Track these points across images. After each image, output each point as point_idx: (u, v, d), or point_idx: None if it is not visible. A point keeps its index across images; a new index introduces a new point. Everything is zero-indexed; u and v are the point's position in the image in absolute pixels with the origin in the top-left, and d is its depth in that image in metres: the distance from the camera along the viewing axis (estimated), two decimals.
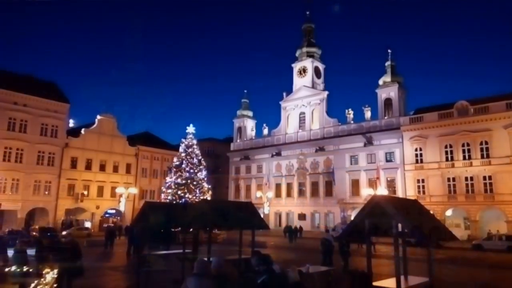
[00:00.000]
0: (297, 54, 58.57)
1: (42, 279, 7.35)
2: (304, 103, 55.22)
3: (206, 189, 37.01)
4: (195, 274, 4.92)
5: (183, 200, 33.98)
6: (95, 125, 49.16)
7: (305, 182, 52.98)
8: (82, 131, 47.81)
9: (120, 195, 42.32)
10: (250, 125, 63.53)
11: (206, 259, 8.17)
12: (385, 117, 46.89)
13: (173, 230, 21.98)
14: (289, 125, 56.82)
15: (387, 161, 45.13)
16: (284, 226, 45.99)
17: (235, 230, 12.51)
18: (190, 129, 39.19)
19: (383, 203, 7.21)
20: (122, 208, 43.07)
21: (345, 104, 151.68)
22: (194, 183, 36.59)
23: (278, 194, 55.04)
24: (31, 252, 10.54)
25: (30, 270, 8.53)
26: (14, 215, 40.47)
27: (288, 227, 41.83)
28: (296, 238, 37.26)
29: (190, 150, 38.27)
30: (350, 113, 50.47)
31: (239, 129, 63.75)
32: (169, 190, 36.13)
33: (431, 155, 41.59)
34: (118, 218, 47.66)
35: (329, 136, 51.33)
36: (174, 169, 37.37)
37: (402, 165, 43.55)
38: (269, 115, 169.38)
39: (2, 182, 40.08)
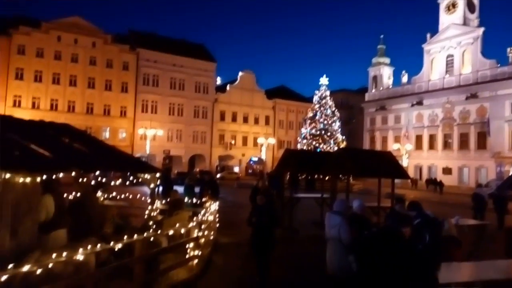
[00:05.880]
0: None
1: (208, 209, 8.89)
2: (453, 43, 48.36)
3: (340, 140, 37.04)
4: (335, 211, 5.06)
5: (318, 150, 34.81)
6: (237, 81, 54.09)
7: (452, 134, 47.74)
8: (228, 87, 53.26)
9: (261, 145, 46.25)
10: (387, 73, 59.28)
11: None
12: None
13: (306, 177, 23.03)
14: (433, 71, 50.99)
15: None
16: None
17: (373, 178, 12.48)
18: (323, 80, 38.98)
19: None
20: (263, 156, 47.30)
21: (505, 42, 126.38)
22: (328, 134, 36.95)
23: (418, 146, 51.19)
24: (196, 189, 12.66)
25: (198, 202, 10.37)
26: (179, 160, 48.83)
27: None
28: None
29: (323, 101, 38.39)
30: None
31: (375, 78, 60.16)
32: (304, 141, 37.37)
33: None
34: (261, 165, 52.35)
35: (484, 81, 44.31)
36: (309, 121, 38.26)
37: None
38: (409, 60, 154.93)
39: (170, 132, 48.17)
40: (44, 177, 5.03)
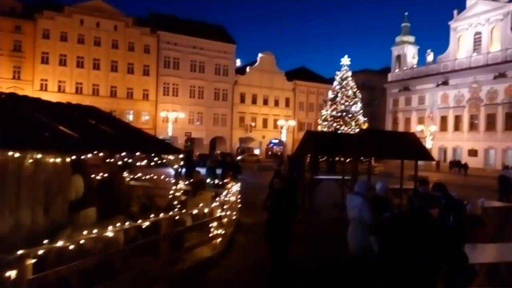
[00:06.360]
0: None
1: (230, 190, 9.02)
2: (481, 20, 46.29)
3: (361, 121, 36.54)
4: (356, 192, 5.04)
5: (339, 132, 34.48)
6: (257, 63, 53.76)
7: (478, 115, 46.27)
8: (247, 69, 52.98)
9: (281, 127, 46.20)
10: (411, 52, 57.46)
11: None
12: None
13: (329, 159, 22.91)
14: (460, 49, 49.13)
15: None
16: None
17: (396, 160, 12.30)
18: (345, 60, 38.25)
19: None
20: (283, 138, 47.38)
21: None
22: (349, 115, 36.48)
23: (443, 128, 49.94)
24: (218, 171, 12.83)
25: (220, 183, 10.53)
26: (201, 142, 49.51)
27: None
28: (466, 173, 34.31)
29: (344, 82, 37.78)
30: None
31: (398, 57, 58.48)
32: (325, 123, 37.04)
33: None
34: (281, 147, 52.48)
35: None
36: (329, 102, 37.81)
37: None
38: (434, 39, 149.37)
39: (191, 115, 48.84)
40: (73, 157, 5.22)
